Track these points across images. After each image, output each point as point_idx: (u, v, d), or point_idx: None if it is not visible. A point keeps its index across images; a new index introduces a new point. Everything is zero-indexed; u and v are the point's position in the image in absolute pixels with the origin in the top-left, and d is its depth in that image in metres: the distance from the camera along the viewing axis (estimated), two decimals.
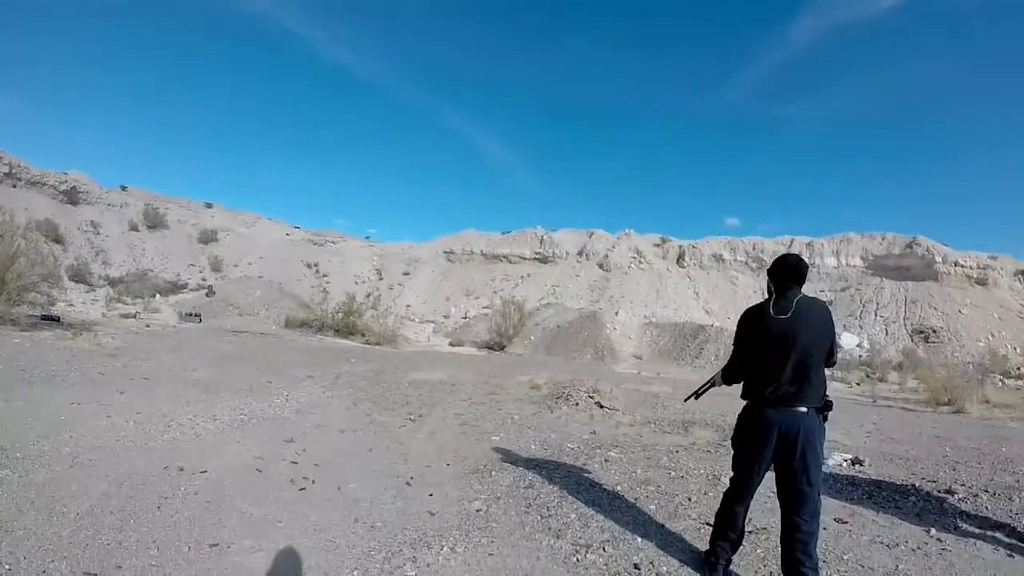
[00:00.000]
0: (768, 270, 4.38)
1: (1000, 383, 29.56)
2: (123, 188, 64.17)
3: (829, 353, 4.10)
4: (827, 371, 4.24)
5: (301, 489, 5.87)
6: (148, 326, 23.26)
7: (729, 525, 4.34)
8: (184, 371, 11.99)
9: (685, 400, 5.29)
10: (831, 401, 4.15)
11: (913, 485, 7.11)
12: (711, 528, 5.10)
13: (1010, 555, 5.14)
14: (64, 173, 54.24)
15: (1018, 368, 34.59)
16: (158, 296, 40.43)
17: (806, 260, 4.63)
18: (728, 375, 4.59)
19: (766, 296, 4.37)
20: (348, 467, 6.79)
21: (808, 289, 4.31)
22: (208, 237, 58.61)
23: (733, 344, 4.52)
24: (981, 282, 53.95)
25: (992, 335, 47.37)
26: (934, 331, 48.93)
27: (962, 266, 54.56)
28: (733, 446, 4.45)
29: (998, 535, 5.58)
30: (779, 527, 4.18)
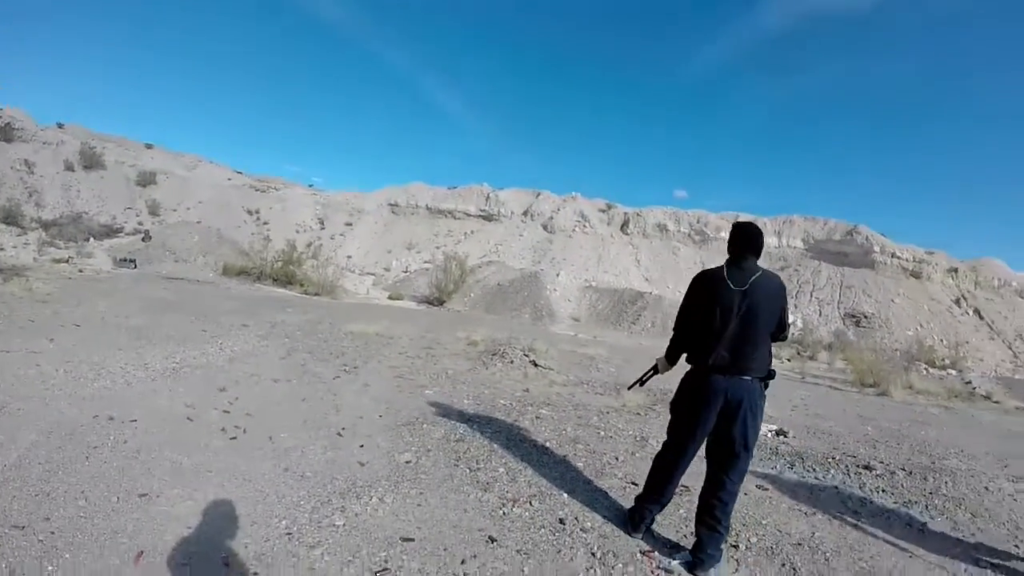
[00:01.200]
0: (728, 237, 4.41)
1: (925, 371, 30.51)
2: (60, 126, 61.67)
3: (780, 326, 4.21)
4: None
5: (232, 438, 5.90)
6: (81, 271, 22.75)
7: (662, 488, 4.44)
8: (117, 318, 11.79)
9: (629, 388, 5.39)
10: (774, 371, 4.27)
11: (834, 459, 7.40)
12: (637, 487, 5.28)
13: (921, 531, 5.42)
14: None
15: (943, 359, 35.81)
16: (92, 240, 39.35)
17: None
18: (672, 353, 4.61)
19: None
20: (280, 417, 6.82)
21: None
22: (147, 179, 56.24)
23: (680, 311, 4.54)
24: (916, 275, 55.79)
25: (921, 326, 49.22)
26: (866, 316, 50.53)
27: (899, 258, 56.42)
28: (673, 410, 4.49)
29: (911, 512, 5.86)
30: (701, 487, 4.33)
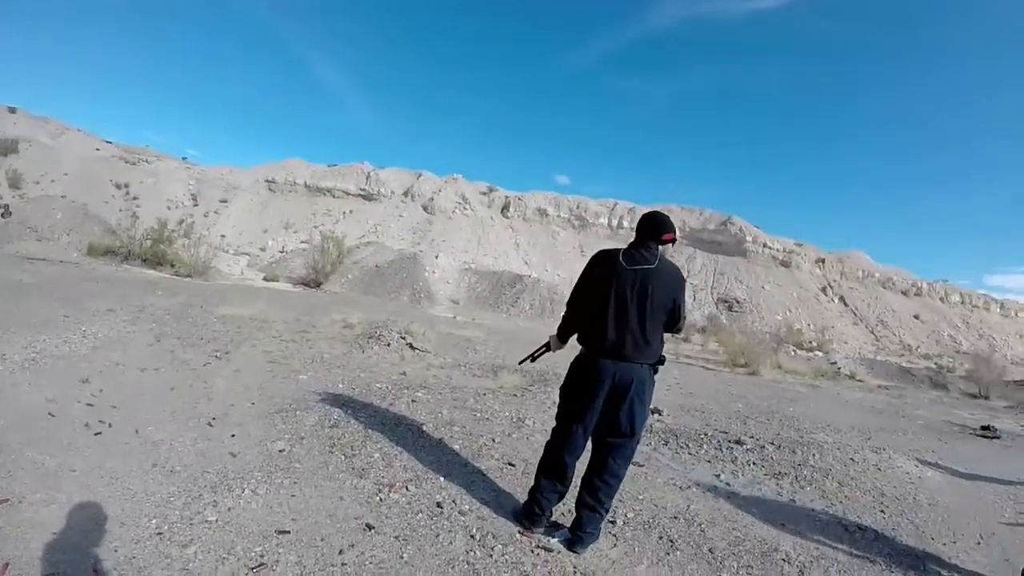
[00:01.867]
0: (637, 224, 4.40)
1: (793, 352, 32.34)
2: None
3: (675, 318, 4.24)
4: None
5: (97, 434, 5.70)
6: None
7: (557, 475, 4.43)
8: None
9: (520, 363, 5.42)
10: (664, 357, 4.31)
11: (706, 435, 7.72)
12: (514, 468, 5.39)
13: (792, 501, 5.73)
14: None
15: (810, 342, 38.14)
16: None
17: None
18: (563, 331, 4.61)
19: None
20: (148, 408, 6.62)
21: None
22: (8, 148, 51.79)
23: (574, 289, 4.51)
24: (785, 264, 59.50)
25: (790, 311, 52.48)
26: (738, 302, 53.25)
27: (770, 248, 60.04)
28: (561, 395, 4.51)
29: (781, 483, 6.20)
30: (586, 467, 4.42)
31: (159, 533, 3.99)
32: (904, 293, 63.92)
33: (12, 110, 63.75)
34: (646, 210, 4.74)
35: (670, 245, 4.34)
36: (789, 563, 4.48)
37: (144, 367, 8.40)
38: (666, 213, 4.43)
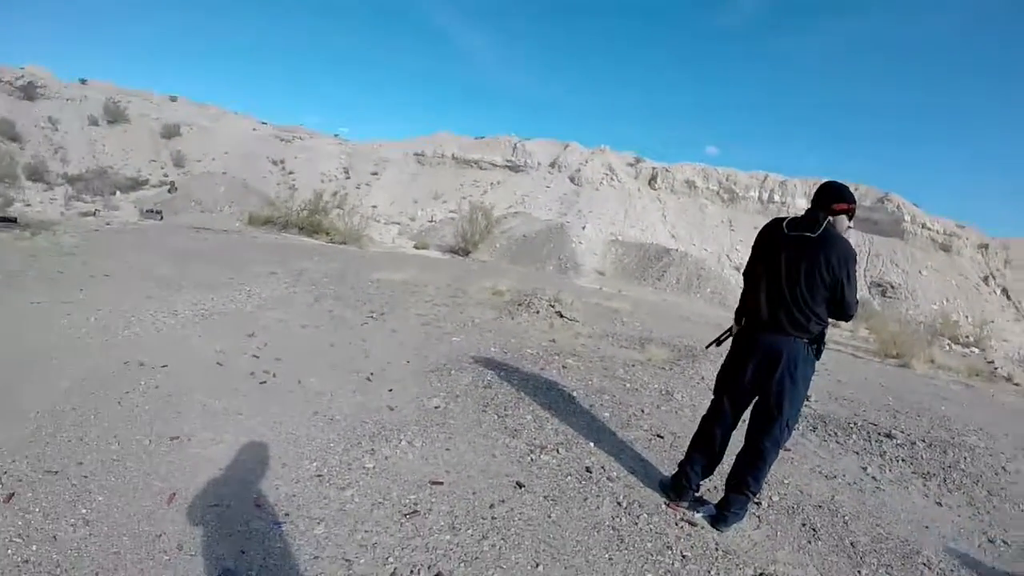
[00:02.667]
0: None
1: (948, 347, 30.23)
2: (83, 82, 61.17)
3: (838, 299, 3.90)
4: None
5: (262, 383, 5.95)
6: (108, 224, 22.89)
7: (703, 446, 4.32)
8: (145, 268, 11.85)
9: (707, 347, 5.24)
10: (824, 336, 4.07)
11: (855, 424, 7.33)
12: (663, 440, 5.27)
13: (938, 503, 5.38)
14: (21, 68, 52.20)
15: (967, 336, 35.50)
16: (118, 193, 39.61)
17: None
18: (738, 311, 4.39)
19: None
20: (309, 361, 6.87)
21: None
22: (171, 132, 56.24)
23: (746, 265, 4.36)
24: (945, 248, 54.98)
25: (947, 300, 48.83)
26: (892, 286, 50.22)
27: (929, 229, 55.51)
28: (720, 370, 4.38)
29: (928, 483, 5.83)
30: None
31: (319, 475, 4.11)
32: None
33: (173, 98, 67.61)
34: (797, 183, 4.45)
35: (844, 217, 3.98)
36: (929, 568, 4.18)
37: (305, 324, 8.72)
38: (818, 185, 4.10)
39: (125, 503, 3.61)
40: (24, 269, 10.48)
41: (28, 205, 28.78)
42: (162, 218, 29.63)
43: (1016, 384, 20.45)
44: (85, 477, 3.86)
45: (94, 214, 27.72)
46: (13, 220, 17.40)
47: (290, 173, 56.16)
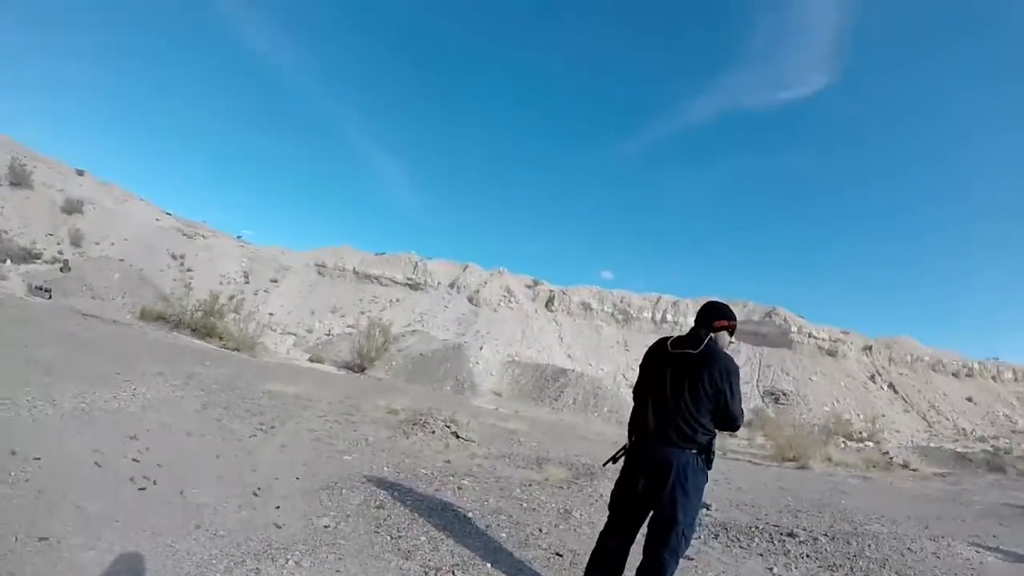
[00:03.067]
0: None
1: (843, 444, 31.47)
2: None
3: (721, 408, 4.01)
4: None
5: (141, 489, 5.64)
6: None
7: (602, 562, 4.29)
8: (26, 348, 11.32)
9: (603, 464, 5.24)
10: (713, 448, 4.14)
11: (757, 528, 7.46)
12: (562, 559, 5.21)
13: None
14: None
15: (860, 432, 37.04)
16: (8, 262, 37.96)
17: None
18: (630, 427, 4.44)
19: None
20: (193, 471, 6.57)
21: None
22: (73, 207, 53.58)
23: (635, 383, 4.49)
24: (831, 353, 58.35)
25: (838, 401, 51.24)
26: (784, 394, 52.24)
27: (815, 337, 59.05)
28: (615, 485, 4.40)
29: (836, 575, 5.92)
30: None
31: None
32: (955, 375, 61.67)
33: (80, 172, 65.79)
34: (689, 303, 4.66)
35: (724, 333, 4.26)
36: None
37: (191, 431, 8.37)
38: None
39: None
40: None
41: None
42: (51, 297, 28.49)
43: (913, 470, 21.27)
44: None
45: None
46: None
47: (188, 270, 54.94)
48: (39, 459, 5.75)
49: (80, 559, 4.03)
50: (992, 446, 39.45)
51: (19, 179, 51.92)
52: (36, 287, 29.86)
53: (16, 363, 9.94)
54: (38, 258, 43.47)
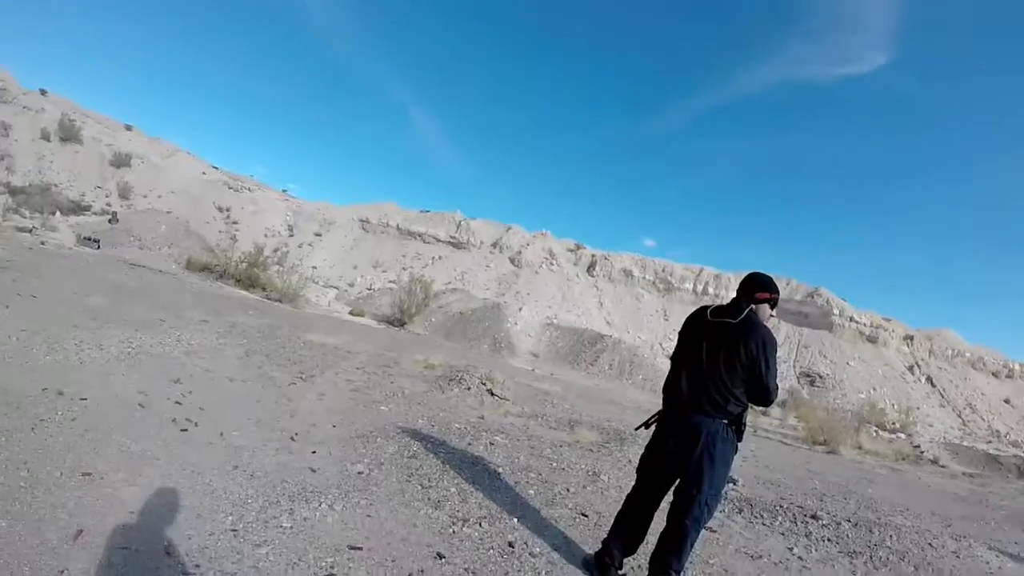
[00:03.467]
0: None
1: (875, 433, 31.05)
2: (43, 92, 60.26)
3: (756, 380, 3.98)
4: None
5: (183, 430, 5.80)
6: (43, 243, 22.45)
7: (626, 524, 4.35)
8: (75, 295, 11.59)
9: (636, 429, 5.27)
10: (744, 420, 4.14)
11: (781, 507, 7.42)
12: (587, 519, 5.26)
13: None
14: None
15: (893, 423, 36.48)
16: (58, 214, 38.73)
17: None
18: (664, 392, 4.46)
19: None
20: (233, 415, 6.73)
21: None
22: (121, 161, 55.07)
23: (671, 355, 4.48)
24: (872, 340, 57.11)
25: (874, 389, 50.23)
26: (820, 376, 51.45)
27: (857, 322, 57.72)
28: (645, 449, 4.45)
29: (855, 562, 5.91)
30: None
31: (233, 530, 3.99)
32: (995, 375, 59.87)
33: (128, 127, 66.68)
34: (731, 277, 4.62)
35: (766, 305, 4.18)
36: None
37: (233, 377, 8.56)
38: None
39: (29, 533, 3.46)
40: None
41: None
42: (99, 248, 29.04)
43: (942, 466, 21.14)
44: None
45: (31, 231, 27.04)
46: None
47: (234, 223, 55.54)
48: (85, 399, 5.94)
49: (122, 494, 4.17)
50: None
51: (69, 134, 52.80)
52: (85, 238, 30.42)
53: (65, 309, 10.20)
54: (87, 210, 44.29)
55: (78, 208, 43.69)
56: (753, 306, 4.11)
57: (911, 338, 59.57)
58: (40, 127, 51.22)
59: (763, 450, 14.39)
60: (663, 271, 63.36)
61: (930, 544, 6.80)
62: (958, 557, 6.64)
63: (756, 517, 6.91)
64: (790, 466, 12.39)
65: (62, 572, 3.18)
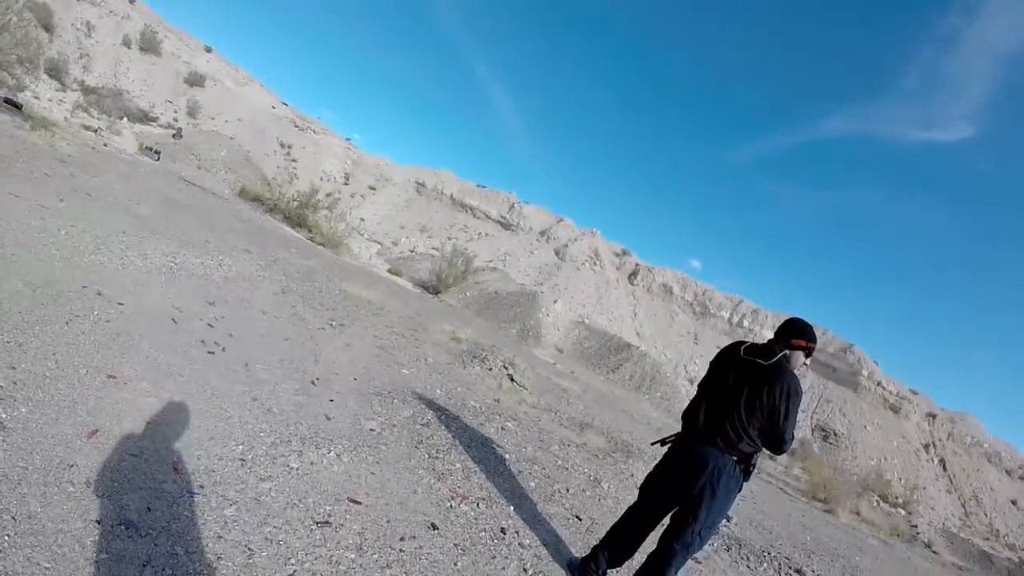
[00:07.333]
0: None
1: (876, 503, 30.70)
2: (131, 1, 61.50)
3: (773, 426, 3.92)
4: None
5: (210, 352, 5.88)
6: (106, 145, 22.78)
7: (619, 536, 4.36)
8: (128, 201, 11.77)
9: (652, 444, 5.27)
10: (754, 461, 4.11)
11: (768, 554, 7.40)
12: (580, 522, 5.26)
13: None
14: None
15: (896, 496, 36.09)
16: (125, 120, 39.20)
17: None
18: (683, 417, 4.43)
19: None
20: (260, 348, 6.79)
21: None
22: (195, 80, 55.45)
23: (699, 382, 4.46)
24: (895, 409, 56.06)
25: (885, 459, 49.42)
26: (835, 434, 50.79)
27: (883, 388, 56.71)
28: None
29: None
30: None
31: (242, 460, 4.05)
32: (1008, 472, 58.54)
33: (208, 49, 67.04)
34: (768, 315, 4.57)
35: (800, 353, 4.09)
36: None
37: (266, 311, 8.64)
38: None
39: (46, 423, 3.53)
40: (13, 159, 10.37)
41: (37, 98, 28.47)
42: (159, 159, 29.42)
43: (935, 552, 20.93)
44: (14, 383, 3.79)
45: (96, 131, 27.42)
46: (18, 107, 17.22)
47: (293, 160, 56.02)
48: (122, 304, 6.04)
49: (140, 402, 4.24)
50: (1020, 558, 37.90)
51: (149, 45, 53.26)
52: (147, 147, 30.82)
53: (117, 213, 10.36)
54: (154, 121, 44.85)
55: (145, 118, 44.23)
56: (788, 352, 4.05)
57: (933, 416, 58.40)
58: (123, 33, 51.77)
59: (762, 494, 14.30)
60: (703, 294, 62.79)
61: None
62: None
63: (743, 558, 6.90)
64: (786, 515, 12.30)
65: (71, 467, 3.25)
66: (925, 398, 59.60)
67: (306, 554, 3.32)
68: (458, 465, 5.53)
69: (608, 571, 4.42)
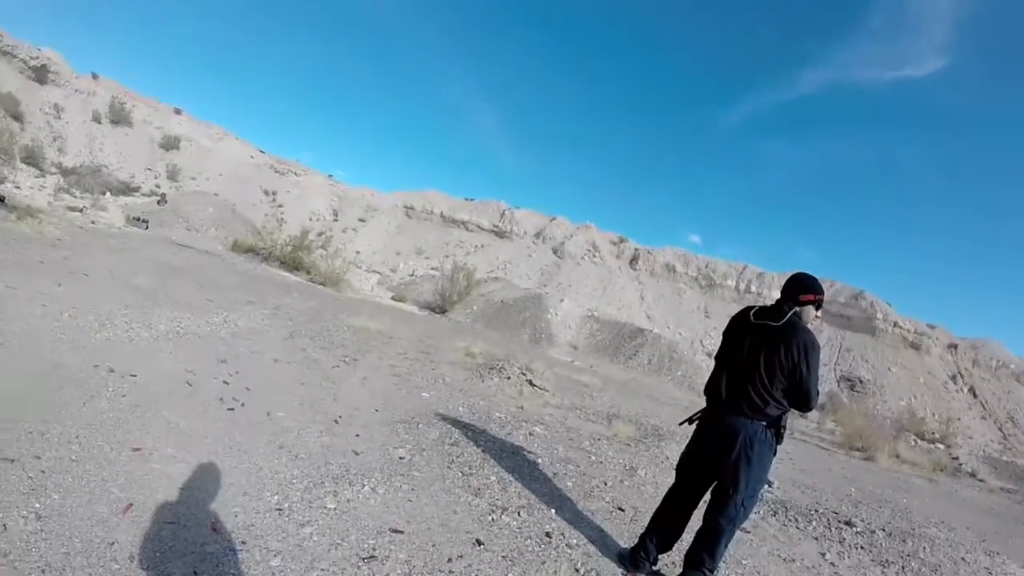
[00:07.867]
0: None
1: (913, 442, 30.45)
2: (94, 76, 61.06)
3: (796, 385, 3.92)
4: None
5: (230, 409, 5.89)
6: (93, 223, 22.82)
7: (663, 521, 4.35)
8: (124, 275, 11.80)
9: (680, 424, 5.26)
10: (784, 424, 4.09)
11: (816, 511, 7.36)
12: (623, 513, 5.25)
13: None
14: (38, 49, 51.93)
15: (933, 433, 35.75)
16: (108, 195, 39.32)
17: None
18: (706, 392, 4.43)
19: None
20: (278, 396, 6.81)
21: None
22: (170, 144, 55.83)
23: (715, 354, 4.44)
24: (915, 346, 55.61)
25: (915, 397, 48.96)
26: (861, 381, 50.36)
27: (900, 328, 56.22)
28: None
29: (887, 571, 5.83)
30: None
31: (279, 509, 4.05)
32: None
33: (178, 111, 67.18)
34: (775, 276, 4.55)
35: (810, 307, 4.08)
36: None
37: (278, 359, 8.66)
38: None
39: (79, 505, 3.54)
40: (4, 251, 10.41)
41: (17, 187, 28.57)
42: (147, 228, 29.47)
43: (980, 480, 20.74)
44: (42, 472, 3.79)
45: (81, 211, 27.43)
46: (1, 199, 17.24)
47: (279, 206, 56.17)
48: (135, 376, 6.06)
49: (170, 470, 4.25)
50: None
51: (119, 117, 53.55)
52: (135, 218, 30.87)
53: (116, 288, 10.41)
54: (136, 191, 45.16)
55: (128, 189, 44.52)
56: (797, 308, 4.02)
57: (955, 347, 57.89)
58: (92, 109, 51.95)
59: (799, 453, 14.27)
60: (706, 267, 62.58)
61: (963, 558, 6.70)
62: (991, 573, 6.54)
63: (791, 520, 6.85)
64: (826, 470, 12.27)
65: (112, 544, 3.25)
66: (944, 330, 59.09)
67: None
68: (493, 478, 5.52)
69: (659, 556, 4.41)
